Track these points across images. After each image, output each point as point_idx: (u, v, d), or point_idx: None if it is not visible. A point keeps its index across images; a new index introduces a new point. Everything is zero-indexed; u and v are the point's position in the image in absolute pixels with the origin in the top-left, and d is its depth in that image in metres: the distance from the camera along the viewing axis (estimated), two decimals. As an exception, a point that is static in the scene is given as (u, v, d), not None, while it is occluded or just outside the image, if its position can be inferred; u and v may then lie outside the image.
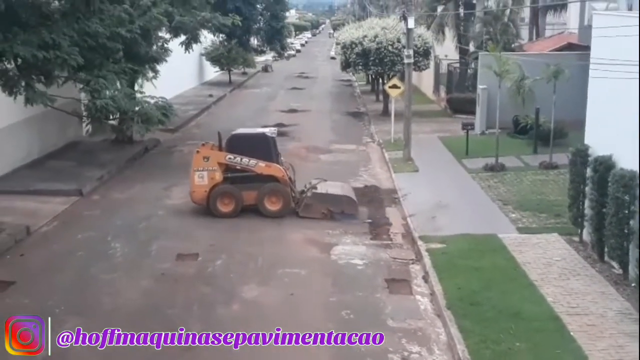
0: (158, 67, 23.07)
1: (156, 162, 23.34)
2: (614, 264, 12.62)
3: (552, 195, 17.63)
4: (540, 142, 22.37)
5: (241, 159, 16.86)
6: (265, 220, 16.63)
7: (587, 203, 13.57)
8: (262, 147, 17.06)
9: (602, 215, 12.64)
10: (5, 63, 16.26)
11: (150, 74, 22.59)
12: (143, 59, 21.56)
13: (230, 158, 16.87)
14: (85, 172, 20.72)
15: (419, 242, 14.60)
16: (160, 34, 23.23)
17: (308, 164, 22.56)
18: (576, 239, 14.28)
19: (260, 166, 16.89)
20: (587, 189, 13.53)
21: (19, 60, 16.38)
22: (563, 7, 34.31)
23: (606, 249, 12.71)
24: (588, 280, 12.27)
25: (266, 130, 18.03)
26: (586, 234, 13.93)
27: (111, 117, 18.80)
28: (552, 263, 13.14)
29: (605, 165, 12.69)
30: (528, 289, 11.98)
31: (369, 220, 16.76)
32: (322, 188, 17.34)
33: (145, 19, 19.35)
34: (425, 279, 12.96)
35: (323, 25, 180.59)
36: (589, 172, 13.40)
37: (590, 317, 10.85)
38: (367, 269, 13.63)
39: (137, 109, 18.73)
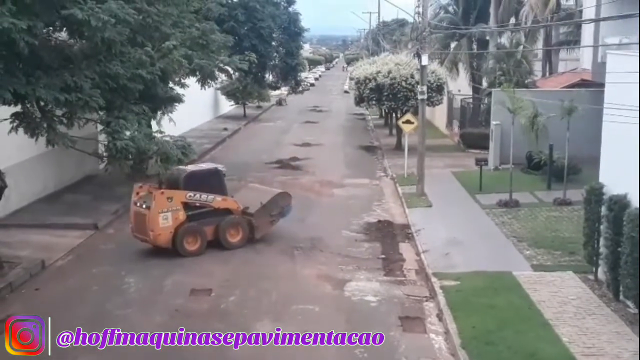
0: (176, 106, 23.37)
1: (171, 196, 23.49)
2: (630, 303, 12.49)
3: (567, 232, 17.52)
4: (554, 178, 22.28)
5: (200, 196, 16.91)
6: (279, 256, 16.68)
7: (602, 242, 13.49)
8: (216, 181, 17.35)
9: (618, 254, 12.55)
10: (28, 106, 16.51)
11: (167, 112, 22.87)
12: (161, 99, 21.85)
13: (190, 196, 16.78)
14: (101, 206, 20.91)
15: (433, 279, 14.54)
16: (181, 79, 23.61)
17: (322, 198, 22.63)
18: (591, 277, 14.16)
19: (217, 200, 17.08)
20: (602, 227, 13.45)
21: (42, 102, 16.64)
22: (576, 42, 34.45)
23: (621, 288, 12.60)
24: (603, 320, 12.15)
25: (219, 166, 18.31)
26: (601, 273, 13.81)
27: (130, 157, 18.94)
28: (567, 302, 13.03)
29: (620, 204, 12.64)
30: (543, 328, 11.87)
31: (383, 256, 16.73)
32: (255, 205, 17.44)
33: (165, 62, 19.66)
34: (440, 317, 12.89)
35: (337, 59, 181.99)
36: (603, 210, 13.34)
37: (605, 358, 10.72)
38: (380, 306, 13.58)
39: (156, 148, 18.92)
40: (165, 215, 16.38)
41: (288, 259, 16.49)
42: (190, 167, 18.26)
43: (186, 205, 16.80)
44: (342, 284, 14.73)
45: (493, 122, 26.49)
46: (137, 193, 16.97)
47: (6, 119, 16.41)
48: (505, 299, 13.18)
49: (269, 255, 16.77)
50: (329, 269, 15.71)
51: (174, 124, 23.84)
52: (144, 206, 16.50)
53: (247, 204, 17.51)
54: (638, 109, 11.22)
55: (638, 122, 11.07)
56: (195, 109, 38.17)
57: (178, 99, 23.33)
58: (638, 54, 12.04)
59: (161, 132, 20.08)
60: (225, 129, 41.69)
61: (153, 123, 23.67)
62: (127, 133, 18.13)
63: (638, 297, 11.90)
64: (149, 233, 16.38)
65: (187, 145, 20.32)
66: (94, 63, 17.00)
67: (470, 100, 35.02)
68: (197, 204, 16.93)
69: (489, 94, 29.30)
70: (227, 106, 51.10)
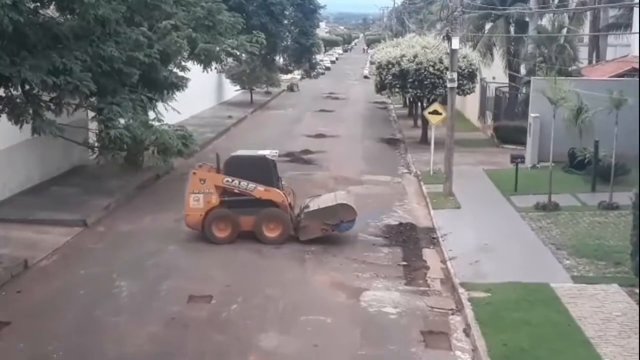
0: (177, 94, 23.44)
1: (168, 190, 23.54)
2: (683, 321, 12.41)
3: (612, 240, 17.43)
4: (599, 179, 22.17)
5: (239, 182, 17.61)
6: (287, 260, 16.74)
7: (652, 251, 13.41)
8: (261, 170, 17.90)
9: (670, 266, 12.48)
10: (12, 89, 16.58)
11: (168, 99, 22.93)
12: (162, 85, 21.95)
13: (228, 181, 17.65)
14: (91, 200, 21.04)
15: (460, 290, 14.53)
16: (182, 62, 23.64)
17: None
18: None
19: (259, 190, 17.62)
20: (652, 235, 13.38)
21: (27, 86, 16.72)
22: (627, 26, 34.22)
23: (674, 305, 12.52)
24: (652, 340, 12.08)
25: (266, 152, 18.63)
26: (651, 286, 13.75)
27: (125, 147, 19.04)
28: (611, 318, 12.96)
29: (673, 209, 12.56)
30: (583, 347, 11.82)
31: (404, 263, 16.74)
32: (314, 205, 18.18)
33: (165, 43, 19.72)
34: (467, 332, 12.86)
35: (356, 40, 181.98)
36: (655, 216, 13.25)
37: (654, 383, 10.68)
38: (400, 318, 13.58)
39: (153, 138, 19.00)
40: (197, 197, 17.55)
41: (297, 264, 16.53)
42: (241, 152, 19.01)
43: (223, 191, 17.65)
44: (358, 293, 14.73)
45: (531, 115, 26.39)
46: (194, 173, 17.85)
47: (-12, 104, 16.57)
48: (541, 314, 13.13)
49: (276, 259, 16.83)
50: (343, 276, 15.73)
51: (174, 112, 23.90)
52: None
53: (307, 205, 18.16)
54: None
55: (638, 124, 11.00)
56: (196, 94, 38.18)
57: (180, 85, 23.41)
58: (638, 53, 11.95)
59: (159, 120, 20.16)
60: (230, 117, 41.83)
61: (152, 113, 23.78)
62: (122, 121, 18.25)
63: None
64: None
65: (188, 135, 20.43)
66: (86, 43, 17.10)
67: (506, 89, 34.90)
68: (236, 191, 17.63)
69: (528, 82, 29.16)
70: (232, 91, 51.21)
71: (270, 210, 17.71)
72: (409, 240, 18.49)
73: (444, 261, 16.72)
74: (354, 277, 15.69)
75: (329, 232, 17.81)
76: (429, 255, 17.41)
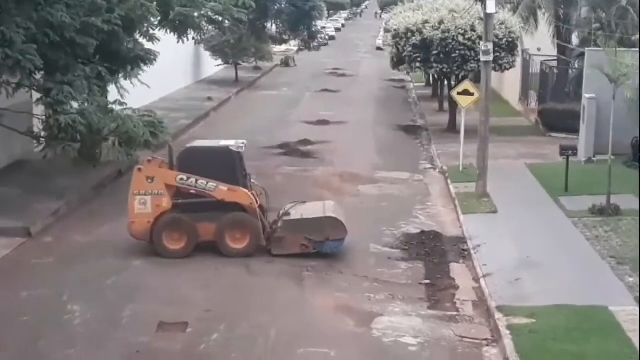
0: (145, 69, 23.40)
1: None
2: None
3: (687, 252, 17.43)
4: (670, 176, 22.17)
5: (197, 181, 17.46)
6: (281, 278, 16.73)
7: None
8: (225, 165, 17.83)
9: None
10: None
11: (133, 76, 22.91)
12: (124, 59, 21.91)
13: (182, 179, 17.53)
14: (36, 204, 21.02)
15: (497, 315, 14.52)
16: (151, 30, 23.56)
17: (344, 199, 22.61)
18: None
19: (221, 190, 17.50)
20: None
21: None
22: None
23: None
24: None
25: (231, 142, 18.52)
26: None
27: (79, 137, 19.01)
28: (686, 351, 12.97)
29: None
30: (651, 388, 11.83)
31: (427, 281, 16.76)
32: (296, 213, 18.08)
33: (128, 7, 19.69)
34: (505, 368, 12.87)
35: (367, 3, 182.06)
36: None
37: None
38: (422, 351, 13.59)
39: (114, 126, 18.96)
40: (143, 200, 17.39)
41: (294, 283, 16.53)
42: (199, 143, 19.09)
43: (177, 192, 17.57)
44: (370, 320, 14.73)
45: (586, 96, 26.39)
46: (139, 170, 17.79)
47: None
48: (598, 345, 13.13)
49: (267, 276, 16.82)
50: (351, 298, 15.74)
51: (140, 93, 23.78)
52: None
53: (288, 212, 18.11)
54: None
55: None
56: (168, 70, 38.19)
57: (148, 59, 23.34)
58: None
59: (121, 104, 20.12)
60: (210, 99, 41.90)
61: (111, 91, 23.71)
62: (75, 105, 18.21)
63: None
64: None
65: (157, 122, 20.38)
66: (30, 8, 17.08)
67: (554, 63, 34.85)
68: (192, 191, 17.54)
69: (581, 55, 29.14)
70: (213, 67, 51.27)
71: (236, 216, 17.61)
72: (433, 253, 18.50)
73: (476, 279, 16.75)
74: (364, 299, 15.69)
75: (310, 250, 17.68)
76: (457, 271, 17.44)
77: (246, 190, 17.82)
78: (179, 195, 17.67)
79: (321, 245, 17.72)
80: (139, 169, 17.72)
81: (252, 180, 18.71)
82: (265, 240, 17.81)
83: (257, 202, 17.87)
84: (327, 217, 17.85)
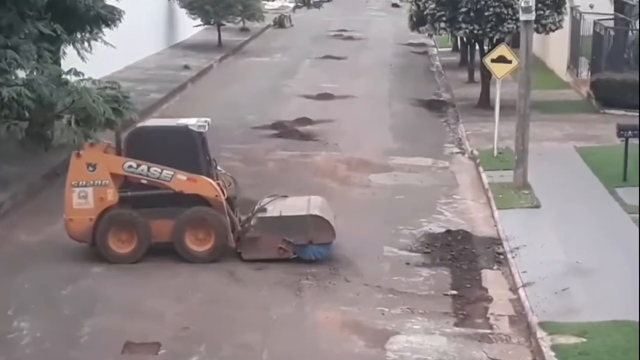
0: (106, 31, 23.49)
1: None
2: None
3: None
4: None
5: (149, 169, 17.34)
6: (274, 288, 16.78)
7: None
8: (183, 149, 17.76)
9: None
10: None
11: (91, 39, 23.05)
12: (82, 18, 21.98)
13: (131, 167, 17.42)
14: (-27, 197, 21.15)
15: (540, 334, 14.58)
16: None
17: (351, 190, 22.76)
18: None
19: (179, 180, 17.41)
20: None
21: None
22: None
23: None
24: None
25: (192, 121, 18.34)
26: None
27: (27, 115, 19.12)
28: None
29: None
30: None
31: (453, 292, 16.83)
32: (273, 209, 18.02)
33: None
34: (549, 398, 13.11)
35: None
36: None
37: None
38: (448, 377, 13.77)
39: (69, 101, 19.07)
40: (83, 192, 17.25)
41: (290, 294, 16.55)
42: (151, 123, 19.18)
43: (125, 182, 17.47)
44: (384, 339, 14.78)
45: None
46: (78, 155, 17.78)
47: None
48: (662, 370, 13.27)
49: (256, 285, 16.86)
50: (361, 313, 15.77)
51: (102, 60, 23.94)
52: None
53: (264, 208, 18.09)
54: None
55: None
56: (135, 32, 38.19)
57: (111, 19, 23.43)
58: None
59: (78, 74, 20.20)
60: (187, 67, 41.74)
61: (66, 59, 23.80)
62: (21, 74, 18.31)
63: None
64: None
65: (122, 97, 20.42)
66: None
67: (611, 23, 34.86)
68: (144, 181, 17.46)
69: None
70: (190, 28, 51.22)
71: (197, 211, 17.61)
72: (461, 257, 18.54)
73: (514, 289, 16.80)
74: (376, 314, 15.73)
75: (288, 255, 17.59)
76: (491, 279, 17.49)
77: (210, 180, 17.66)
78: (127, 186, 17.57)
79: (303, 250, 17.63)
80: (77, 154, 17.63)
81: (218, 168, 18.63)
82: (234, 242, 17.73)
83: (224, 194, 17.72)
84: (310, 215, 17.74)
